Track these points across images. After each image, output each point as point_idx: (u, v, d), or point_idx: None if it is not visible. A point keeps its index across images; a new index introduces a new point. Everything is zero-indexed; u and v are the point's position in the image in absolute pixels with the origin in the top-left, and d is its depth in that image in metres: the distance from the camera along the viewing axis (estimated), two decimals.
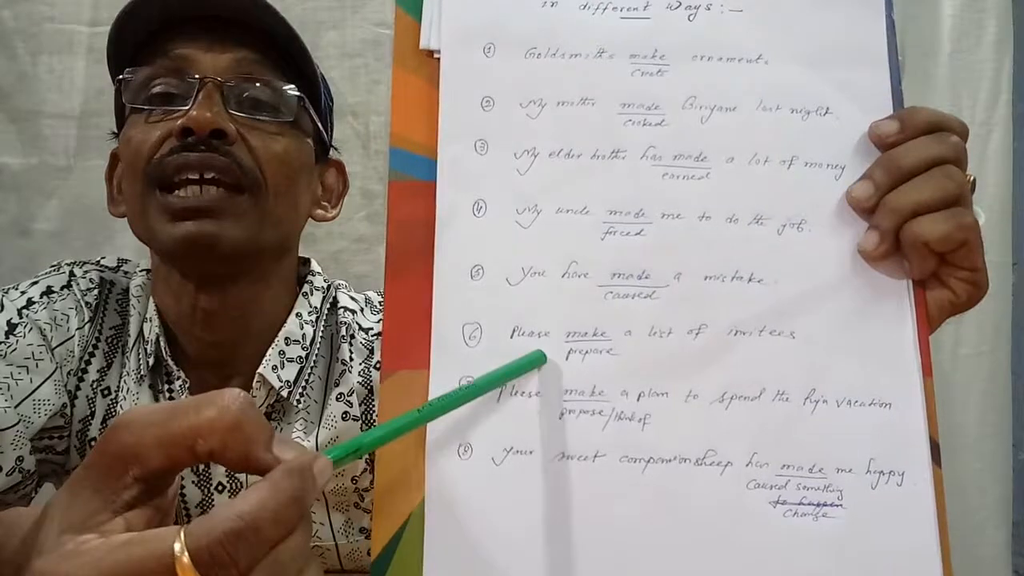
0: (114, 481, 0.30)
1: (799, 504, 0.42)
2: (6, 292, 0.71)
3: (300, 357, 0.72)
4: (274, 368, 0.70)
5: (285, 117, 0.68)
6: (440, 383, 0.43)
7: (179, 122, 0.63)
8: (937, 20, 1.25)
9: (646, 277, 0.44)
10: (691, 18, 0.47)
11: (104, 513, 0.30)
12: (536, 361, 0.43)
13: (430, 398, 0.42)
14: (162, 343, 0.70)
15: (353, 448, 0.35)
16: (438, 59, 0.46)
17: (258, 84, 0.67)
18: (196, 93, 0.64)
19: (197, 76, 0.65)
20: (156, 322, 0.71)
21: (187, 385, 0.70)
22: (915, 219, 0.43)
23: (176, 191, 0.64)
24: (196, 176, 0.63)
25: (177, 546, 0.28)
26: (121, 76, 0.68)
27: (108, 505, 0.30)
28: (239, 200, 0.65)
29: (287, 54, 0.69)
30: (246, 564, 0.28)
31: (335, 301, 0.78)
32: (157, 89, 0.66)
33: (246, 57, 0.67)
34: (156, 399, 0.70)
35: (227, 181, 0.64)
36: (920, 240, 0.43)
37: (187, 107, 0.64)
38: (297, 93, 0.69)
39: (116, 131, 0.73)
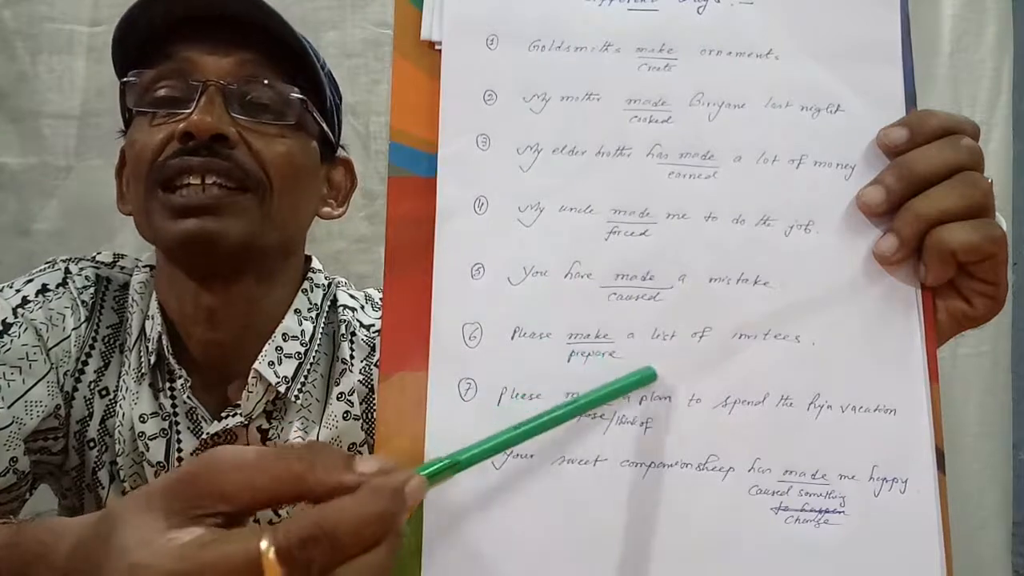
0: (197, 510, 0.33)
1: (801, 511, 0.42)
2: (0, 290, 0.70)
3: (298, 353, 0.72)
4: (270, 364, 0.70)
5: (288, 120, 0.68)
6: (439, 384, 0.42)
7: (180, 126, 0.64)
8: (937, 20, 1.25)
9: (650, 278, 0.44)
10: (700, 11, 0.46)
11: (184, 521, 0.32)
12: (647, 379, 0.42)
13: (430, 399, 0.42)
14: (164, 341, 0.70)
15: (449, 464, 0.36)
16: (439, 51, 0.46)
17: (261, 87, 0.67)
18: (198, 96, 0.65)
19: (200, 79, 0.65)
20: (159, 320, 0.70)
21: (188, 384, 0.69)
22: (943, 226, 0.42)
23: (179, 191, 0.64)
24: (198, 180, 0.64)
25: (264, 543, 0.30)
26: (125, 79, 0.68)
27: (189, 520, 0.32)
28: (242, 198, 0.65)
29: (290, 56, 0.69)
30: (318, 570, 0.30)
31: (335, 299, 0.78)
32: (160, 92, 0.67)
33: (249, 59, 0.67)
34: (156, 398, 0.70)
35: (229, 184, 0.65)
36: (948, 248, 0.42)
37: (189, 110, 0.64)
38: (300, 96, 0.69)
39: (124, 129, 0.73)
